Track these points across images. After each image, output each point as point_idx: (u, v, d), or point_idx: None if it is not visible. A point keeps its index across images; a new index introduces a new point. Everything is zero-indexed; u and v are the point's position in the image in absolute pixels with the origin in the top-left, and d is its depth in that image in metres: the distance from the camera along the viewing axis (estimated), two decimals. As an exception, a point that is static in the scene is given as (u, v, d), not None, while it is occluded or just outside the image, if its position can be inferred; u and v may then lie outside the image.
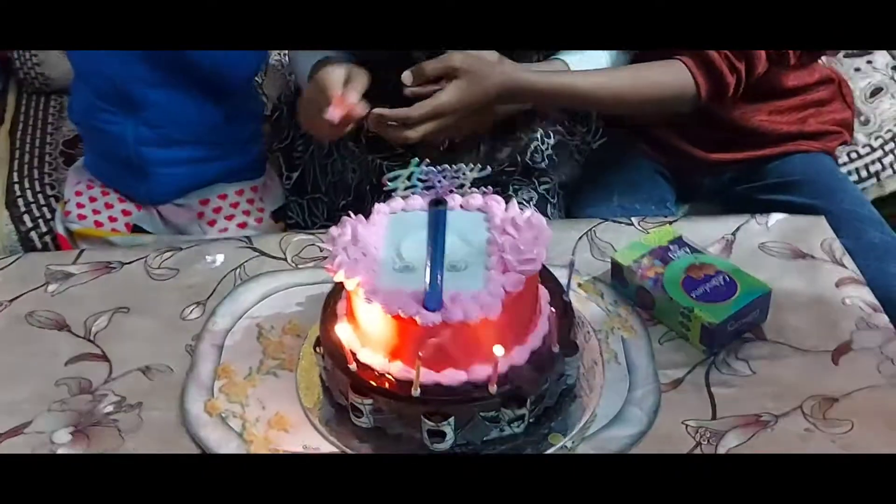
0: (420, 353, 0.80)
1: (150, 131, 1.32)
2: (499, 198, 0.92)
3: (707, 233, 1.12)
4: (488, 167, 0.92)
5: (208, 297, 1.08)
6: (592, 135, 1.38)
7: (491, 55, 1.10)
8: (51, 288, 1.10)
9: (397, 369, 0.83)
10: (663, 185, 1.40)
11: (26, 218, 1.50)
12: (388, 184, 0.90)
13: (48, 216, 1.50)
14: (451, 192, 0.92)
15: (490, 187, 0.93)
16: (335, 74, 1.10)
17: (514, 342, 0.84)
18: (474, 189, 0.92)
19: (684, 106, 1.19)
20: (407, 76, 1.08)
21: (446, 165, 0.91)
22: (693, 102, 1.17)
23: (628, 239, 1.10)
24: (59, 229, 1.42)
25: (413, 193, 0.92)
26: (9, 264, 1.14)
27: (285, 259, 1.13)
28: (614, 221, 1.17)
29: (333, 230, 0.87)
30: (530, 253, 0.83)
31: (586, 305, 1.03)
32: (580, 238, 1.13)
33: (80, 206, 1.39)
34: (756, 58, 1.17)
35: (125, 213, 1.39)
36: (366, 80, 1.10)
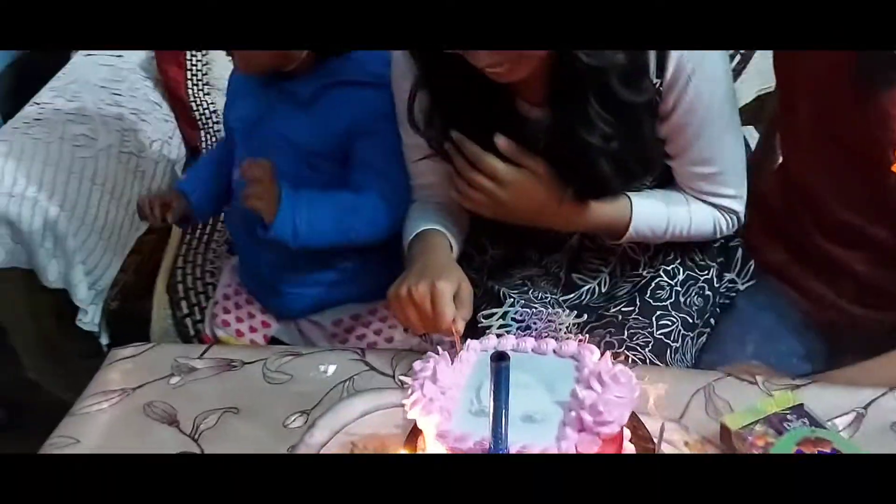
0: None
1: (280, 256, 1.36)
2: (593, 347, 0.89)
3: (836, 402, 1.03)
4: (585, 314, 0.90)
5: (313, 407, 1.10)
6: (742, 276, 1.32)
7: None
8: (173, 381, 1.16)
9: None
10: (811, 337, 1.30)
11: (183, 304, 1.61)
12: (483, 321, 0.90)
13: (204, 304, 1.60)
14: (546, 335, 0.90)
15: (601, 330, 0.91)
16: (446, 296, 1.05)
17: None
18: (570, 334, 0.90)
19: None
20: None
21: (542, 308, 0.89)
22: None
23: (749, 399, 1.03)
24: (207, 331, 1.51)
25: (508, 333, 0.91)
26: (142, 352, 1.22)
27: (393, 377, 1.14)
28: (737, 378, 1.09)
29: (416, 364, 0.87)
30: (609, 414, 0.79)
31: (688, 468, 0.97)
32: (695, 393, 1.07)
33: (225, 310, 1.47)
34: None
35: (265, 324, 1.46)
36: (471, 300, 1.08)
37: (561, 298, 1.26)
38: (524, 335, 0.91)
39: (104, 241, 1.68)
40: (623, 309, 1.24)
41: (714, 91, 1.13)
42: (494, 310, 0.90)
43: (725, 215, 1.23)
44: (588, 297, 1.25)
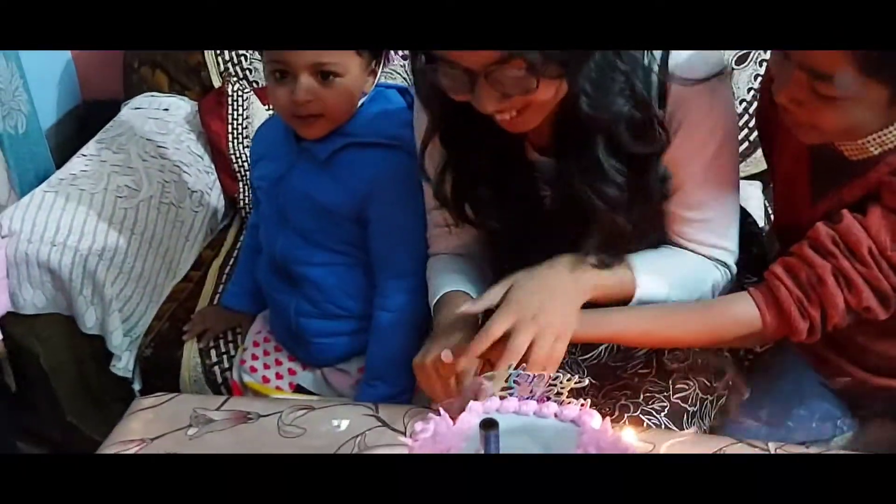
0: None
1: (310, 306, 1.40)
2: (594, 412, 0.89)
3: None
4: (587, 379, 0.90)
5: (325, 462, 1.11)
6: None
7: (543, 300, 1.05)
8: (190, 431, 1.18)
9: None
10: (831, 398, 1.27)
11: (213, 352, 1.64)
12: (485, 383, 0.91)
13: (233, 353, 1.63)
14: (547, 399, 0.91)
15: (616, 392, 0.90)
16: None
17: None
18: (572, 399, 0.90)
19: (752, 342, 1.11)
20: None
21: (543, 373, 0.90)
22: (761, 340, 1.09)
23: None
24: (235, 376, 1.54)
25: (510, 395, 0.91)
26: (163, 402, 1.24)
27: (404, 433, 1.14)
28: (749, 444, 1.08)
29: (417, 425, 0.88)
30: (602, 482, 0.79)
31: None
32: (707, 458, 1.06)
33: (254, 357, 1.51)
34: (832, 307, 1.06)
35: (291, 371, 1.48)
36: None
37: (579, 358, 1.26)
38: (527, 398, 0.91)
39: (140, 290, 1.73)
40: (639, 371, 1.23)
41: (713, 129, 1.11)
42: (496, 373, 0.91)
43: (718, 267, 1.19)
44: (606, 356, 1.25)
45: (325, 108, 1.27)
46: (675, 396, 1.22)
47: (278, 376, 1.49)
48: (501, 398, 0.92)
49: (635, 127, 1.06)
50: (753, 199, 1.83)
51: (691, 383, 1.23)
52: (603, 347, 1.24)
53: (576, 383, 0.89)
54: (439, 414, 0.89)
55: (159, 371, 1.67)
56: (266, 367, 1.50)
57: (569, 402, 0.90)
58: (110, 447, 1.16)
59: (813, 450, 1.07)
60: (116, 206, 1.77)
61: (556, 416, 0.90)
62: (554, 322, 1.03)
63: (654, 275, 1.13)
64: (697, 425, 1.22)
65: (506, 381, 0.90)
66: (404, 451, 0.88)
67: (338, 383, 1.46)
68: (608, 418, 0.89)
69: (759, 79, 1.84)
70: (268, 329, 1.54)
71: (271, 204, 1.41)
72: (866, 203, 1.07)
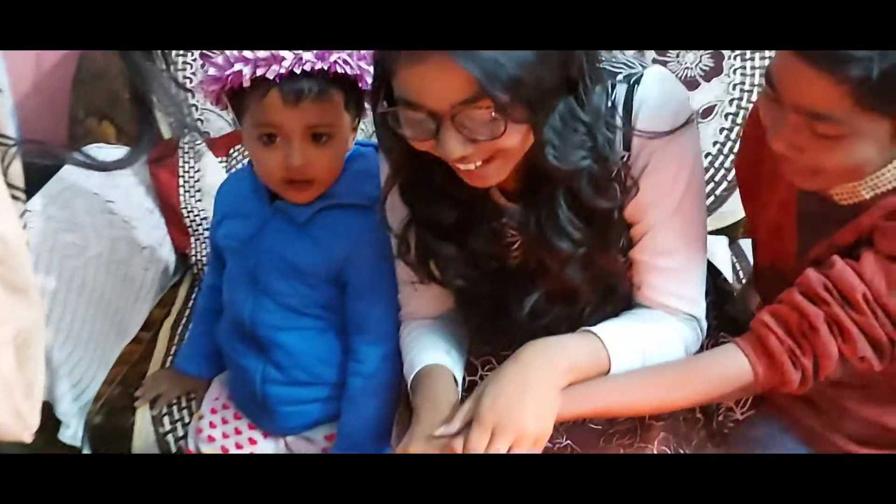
0: None
1: (278, 373, 1.36)
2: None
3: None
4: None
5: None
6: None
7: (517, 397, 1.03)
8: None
9: None
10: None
11: (166, 419, 1.59)
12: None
13: (187, 420, 1.58)
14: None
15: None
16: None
17: None
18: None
19: (741, 395, 1.10)
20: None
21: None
22: (751, 392, 1.08)
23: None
24: (191, 445, 1.49)
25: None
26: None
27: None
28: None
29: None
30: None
31: None
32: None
33: (212, 425, 1.46)
34: (825, 356, 1.05)
35: (251, 441, 1.44)
36: None
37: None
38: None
39: (90, 354, 1.67)
40: (624, 442, 1.24)
41: (679, 173, 1.11)
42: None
43: (686, 324, 1.18)
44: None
45: (319, 172, 1.26)
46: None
47: (238, 446, 1.45)
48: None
49: (595, 181, 1.06)
50: (719, 254, 1.84)
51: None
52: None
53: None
54: None
55: (110, 439, 1.60)
56: (225, 436, 1.46)
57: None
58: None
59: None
60: (64, 266, 1.71)
61: None
62: (529, 428, 1.01)
63: (625, 344, 1.12)
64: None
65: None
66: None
67: (301, 451, 1.42)
68: None
69: (725, 132, 1.86)
70: (226, 395, 1.49)
71: (239, 265, 1.37)
72: (856, 249, 1.06)
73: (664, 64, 1.84)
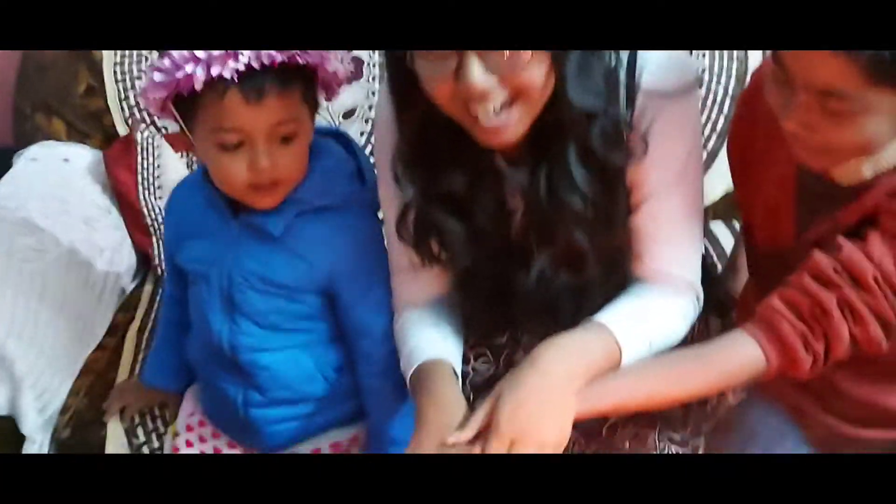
0: None
1: (261, 395, 1.29)
2: None
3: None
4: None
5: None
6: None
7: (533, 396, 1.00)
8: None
9: None
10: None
11: (140, 430, 1.51)
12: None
13: (162, 430, 1.50)
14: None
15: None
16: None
17: None
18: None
19: (755, 381, 1.09)
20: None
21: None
22: (764, 377, 1.07)
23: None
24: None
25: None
26: None
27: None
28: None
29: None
30: None
31: None
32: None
33: (188, 444, 1.38)
34: (836, 339, 1.04)
35: None
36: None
37: None
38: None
39: (54, 363, 1.57)
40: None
41: (682, 140, 1.10)
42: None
43: (686, 298, 1.15)
44: None
45: (286, 173, 1.17)
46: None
47: (220, 464, 1.38)
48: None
49: (606, 134, 1.05)
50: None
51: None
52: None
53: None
54: None
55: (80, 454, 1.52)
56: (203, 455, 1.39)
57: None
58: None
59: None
60: (23, 271, 1.62)
61: None
62: (549, 439, 0.98)
63: (634, 332, 1.08)
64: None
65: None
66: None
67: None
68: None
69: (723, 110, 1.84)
70: (201, 411, 1.41)
71: (211, 289, 1.26)
72: (859, 229, 1.05)
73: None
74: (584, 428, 1.22)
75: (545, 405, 0.99)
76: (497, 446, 0.97)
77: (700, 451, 1.27)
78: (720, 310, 1.32)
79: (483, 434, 1.00)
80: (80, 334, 1.68)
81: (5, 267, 1.60)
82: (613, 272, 1.17)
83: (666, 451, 1.25)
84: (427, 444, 1.02)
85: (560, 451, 0.99)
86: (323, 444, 1.35)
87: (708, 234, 1.87)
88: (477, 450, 0.99)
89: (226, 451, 1.38)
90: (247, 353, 1.26)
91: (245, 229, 1.23)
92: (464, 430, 1.01)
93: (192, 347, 1.37)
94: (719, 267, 1.69)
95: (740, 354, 1.06)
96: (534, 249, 1.15)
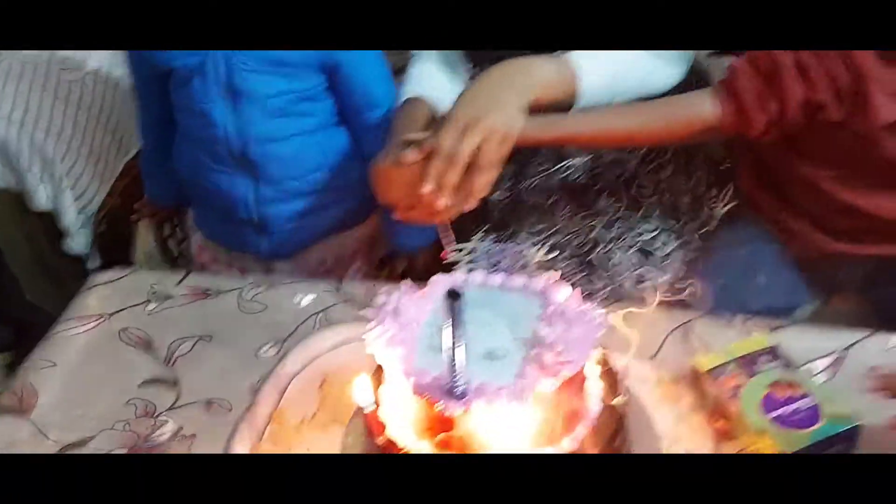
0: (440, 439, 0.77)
1: (272, 189, 1.32)
2: (561, 284, 0.87)
3: (816, 345, 1.01)
4: (557, 251, 0.88)
5: (287, 338, 1.09)
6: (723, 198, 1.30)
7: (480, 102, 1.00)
8: (149, 307, 1.15)
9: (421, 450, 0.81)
10: (790, 267, 1.27)
11: (165, 226, 1.59)
12: (450, 256, 0.88)
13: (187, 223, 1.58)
14: (514, 271, 0.89)
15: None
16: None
17: (546, 441, 0.80)
18: (542, 271, 0.88)
19: (708, 137, 1.12)
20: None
21: (512, 243, 0.87)
22: (717, 134, 1.10)
23: (727, 340, 1.02)
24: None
25: (475, 268, 0.89)
26: (120, 278, 1.21)
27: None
28: (717, 316, 1.08)
29: (380, 297, 0.86)
30: (569, 354, 0.77)
31: (658, 408, 0.96)
32: (672, 331, 1.05)
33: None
34: (787, 101, 1.06)
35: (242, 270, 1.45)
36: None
37: (550, 170, 1.25)
38: (493, 271, 0.89)
39: (92, 167, 1.66)
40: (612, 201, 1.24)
41: None
42: (463, 245, 0.88)
43: (664, 59, 1.14)
44: (581, 174, 1.25)
45: None
46: (644, 237, 1.23)
47: (242, 271, 1.45)
48: (469, 271, 0.90)
49: None
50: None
51: (658, 224, 1.25)
52: (576, 162, 1.23)
53: (544, 255, 0.87)
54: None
55: (115, 248, 1.62)
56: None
57: (538, 275, 0.88)
58: (67, 322, 1.14)
59: (778, 322, 1.07)
60: (61, 79, 1.68)
61: (523, 288, 0.89)
62: (497, 123, 0.98)
63: (594, 56, 1.08)
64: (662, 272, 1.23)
65: (471, 252, 0.88)
66: (367, 325, 0.86)
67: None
68: (578, 289, 0.87)
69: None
70: (204, 239, 1.49)
71: (206, 80, 1.26)
72: None
73: None
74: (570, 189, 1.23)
75: (494, 96, 1.00)
76: (450, 130, 0.97)
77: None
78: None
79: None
80: (118, 143, 1.75)
81: (45, 74, 1.67)
82: None
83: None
84: (391, 156, 1.03)
85: (508, 144, 0.99)
86: (332, 243, 1.41)
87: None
88: (431, 141, 0.99)
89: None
90: (255, 144, 1.29)
91: None
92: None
93: (183, 154, 1.39)
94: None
95: (695, 104, 1.10)
96: None
